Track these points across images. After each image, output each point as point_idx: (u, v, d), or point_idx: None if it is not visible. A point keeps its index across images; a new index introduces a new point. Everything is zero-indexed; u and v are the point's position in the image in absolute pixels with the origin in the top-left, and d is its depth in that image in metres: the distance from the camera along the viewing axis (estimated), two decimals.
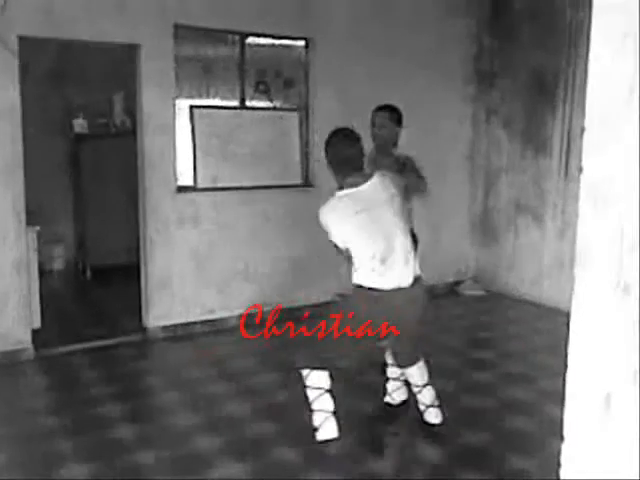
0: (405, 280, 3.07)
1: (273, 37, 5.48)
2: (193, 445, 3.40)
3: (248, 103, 5.40)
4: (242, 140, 5.31)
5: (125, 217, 6.85)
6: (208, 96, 5.25)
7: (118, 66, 6.72)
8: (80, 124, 6.97)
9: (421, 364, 3.48)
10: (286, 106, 5.63)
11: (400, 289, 3.04)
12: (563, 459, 1.23)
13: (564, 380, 1.18)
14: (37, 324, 4.74)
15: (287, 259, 5.60)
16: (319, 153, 5.60)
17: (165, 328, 5.12)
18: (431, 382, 3.52)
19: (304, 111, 5.66)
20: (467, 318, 5.91)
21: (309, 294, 5.68)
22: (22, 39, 4.34)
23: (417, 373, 3.47)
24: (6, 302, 4.47)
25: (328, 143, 3.25)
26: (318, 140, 5.65)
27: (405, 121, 6.03)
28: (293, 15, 5.37)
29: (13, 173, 4.41)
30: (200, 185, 5.17)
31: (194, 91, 5.18)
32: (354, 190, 3.06)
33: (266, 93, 5.52)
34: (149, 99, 4.87)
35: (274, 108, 5.55)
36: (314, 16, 5.47)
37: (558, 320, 5.61)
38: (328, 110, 5.67)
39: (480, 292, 6.55)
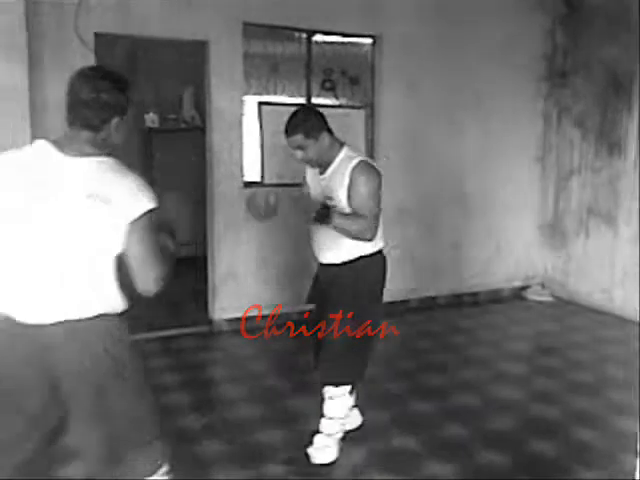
0: None
1: (340, 35, 5.46)
2: (255, 438, 3.45)
3: (314, 100, 5.40)
4: None
5: (194, 210, 7.01)
6: (275, 93, 5.28)
7: (188, 62, 6.86)
8: (151, 119, 7.15)
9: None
10: (352, 103, 5.61)
11: None
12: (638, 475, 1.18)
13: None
14: None
15: None
16: (385, 150, 5.61)
17: (230, 321, 5.20)
18: None
19: (370, 108, 5.63)
20: (533, 324, 5.75)
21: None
22: (98, 36, 4.48)
23: None
24: None
25: None
26: (383, 137, 5.64)
27: (473, 120, 5.97)
28: (360, 13, 5.34)
29: None
30: (266, 181, 5.22)
31: (262, 88, 5.21)
32: None
33: (332, 90, 5.51)
34: (218, 95, 4.95)
35: (340, 106, 5.54)
36: (381, 13, 5.43)
37: (628, 330, 5.41)
38: (394, 107, 5.63)
39: (547, 298, 6.36)
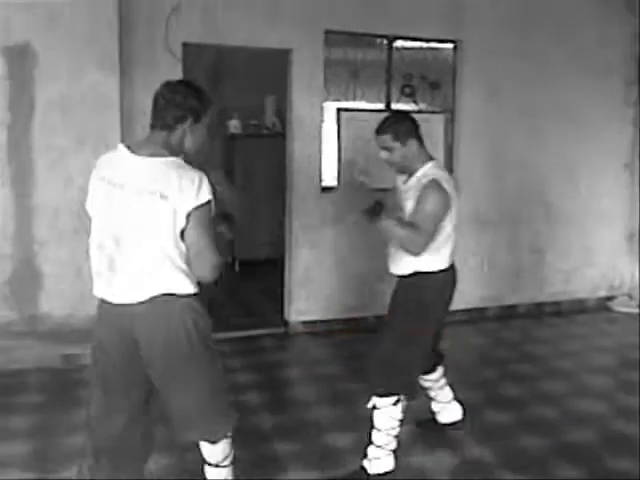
0: None
1: (421, 40, 5.45)
2: (329, 440, 3.50)
3: (393, 106, 5.42)
4: None
5: (272, 213, 7.16)
6: (355, 99, 5.33)
7: (270, 70, 7.00)
8: (234, 125, 7.36)
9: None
10: (431, 109, 5.58)
11: None
12: None
13: None
14: None
15: None
16: (465, 155, 5.55)
17: (305, 323, 5.28)
18: None
19: (450, 114, 5.59)
20: (618, 337, 5.52)
21: None
22: (186, 46, 4.68)
23: None
24: None
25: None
26: (463, 143, 5.58)
27: (556, 125, 5.81)
28: (442, 18, 5.33)
29: None
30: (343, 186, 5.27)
31: (341, 94, 5.28)
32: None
33: (412, 96, 5.51)
34: (299, 102, 5.05)
35: (419, 111, 5.53)
36: (463, 18, 5.39)
37: None
38: (474, 113, 5.56)
39: (635, 310, 6.09)
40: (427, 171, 3.00)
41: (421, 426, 3.58)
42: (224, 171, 2.44)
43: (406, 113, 3.21)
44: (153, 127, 2.30)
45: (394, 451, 3.09)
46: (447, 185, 2.96)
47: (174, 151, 2.28)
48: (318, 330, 5.28)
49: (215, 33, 4.73)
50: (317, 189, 5.21)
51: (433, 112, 5.56)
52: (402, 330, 3.04)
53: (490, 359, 4.82)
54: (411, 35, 5.36)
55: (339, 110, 5.24)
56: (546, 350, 5.05)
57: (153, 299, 2.24)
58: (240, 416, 3.64)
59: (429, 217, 2.90)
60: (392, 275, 3.20)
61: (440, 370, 3.47)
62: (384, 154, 3.08)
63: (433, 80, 5.53)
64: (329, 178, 5.30)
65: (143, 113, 4.54)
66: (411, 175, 3.07)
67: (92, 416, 2.46)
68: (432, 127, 5.48)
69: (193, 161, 2.33)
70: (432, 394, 3.51)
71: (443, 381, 3.50)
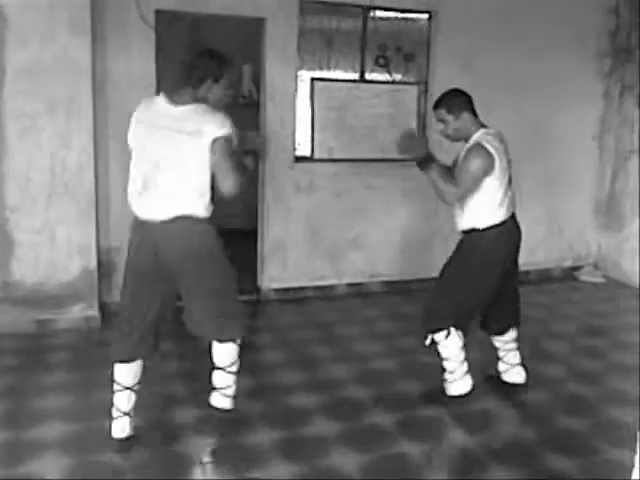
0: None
1: (396, 10, 5.47)
2: (293, 401, 3.62)
3: (368, 76, 5.46)
4: (360, 113, 5.39)
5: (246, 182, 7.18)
6: (329, 69, 5.35)
7: (247, 38, 6.98)
8: None
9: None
10: (405, 80, 5.63)
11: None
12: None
13: None
14: None
15: (398, 232, 5.66)
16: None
17: (277, 291, 5.38)
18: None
19: (423, 85, 5.64)
20: (583, 305, 5.69)
21: (418, 268, 5.70)
22: (158, 13, 4.66)
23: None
24: None
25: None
26: None
27: (530, 97, 5.89)
28: None
29: None
30: (317, 156, 5.32)
31: (315, 64, 5.30)
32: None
33: (386, 67, 5.54)
34: (273, 71, 5.07)
35: (393, 82, 5.57)
36: None
37: None
38: (448, 84, 5.49)
39: (599, 279, 6.27)
40: (476, 137, 3.37)
41: (488, 381, 3.89)
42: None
43: (460, 89, 3.54)
44: (184, 83, 2.87)
45: (468, 372, 3.57)
46: (492, 149, 3.31)
47: (199, 101, 2.83)
48: (289, 297, 5.38)
49: (188, 0, 4.72)
50: (291, 159, 5.26)
51: (407, 83, 5.61)
52: (447, 276, 3.52)
53: None
54: (386, 5, 5.37)
55: (313, 80, 5.26)
56: None
57: (176, 218, 2.79)
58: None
59: (466, 174, 3.29)
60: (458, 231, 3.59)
61: (512, 333, 3.75)
62: (440, 126, 3.48)
63: (408, 51, 5.55)
64: (303, 147, 5.34)
65: (115, 81, 4.59)
66: (466, 142, 3.44)
67: (122, 297, 3.08)
68: (405, 98, 5.54)
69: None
70: (500, 354, 3.81)
71: (513, 345, 3.78)
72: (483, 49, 5.62)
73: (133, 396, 3.06)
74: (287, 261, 5.38)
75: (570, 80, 6.06)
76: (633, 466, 2.88)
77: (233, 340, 3.10)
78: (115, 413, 3.06)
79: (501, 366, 3.83)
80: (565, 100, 6.07)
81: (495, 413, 3.59)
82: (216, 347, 3.12)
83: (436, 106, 3.47)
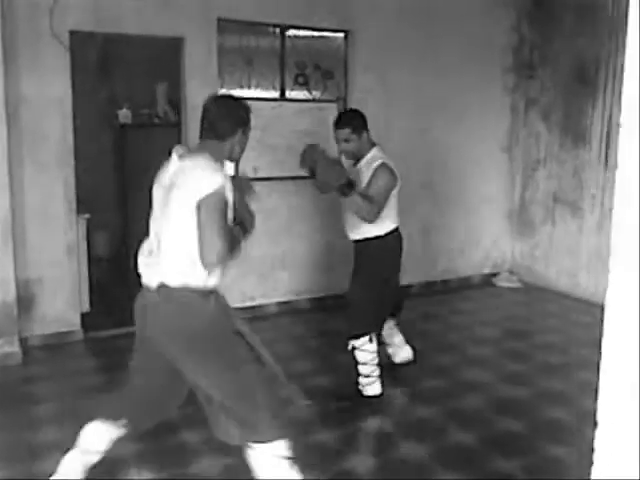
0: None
1: (313, 29, 5.56)
2: None
3: (288, 95, 5.50)
4: (282, 131, 5.42)
5: None
6: (250, 87, 5.36)
7: (161, 57, 6.88)
8: (124, 114, 7.16)
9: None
10: (325, 97, 5.72)
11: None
12: (597, 444, 1.31)
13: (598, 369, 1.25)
14: (86, 308, 4.95)
15: (324, 249, 5.71)
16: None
17: None
18: None
19: (342, 102, 5.74)
20: (503, 310, 5.94)
21: (344, 283, 5.75)
22: (72, 33, 4.52)
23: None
24: (58, 286, 4.68)
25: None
26: None
27: (442, 112, 6.13)
28: (333, 7, 5.45)
29: (65, 163, 4.61)
30: (240, 175, 5.28)
31: (236, 83, 5.30)
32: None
33: (305, 85, 5.61)
34: (193, 91, 5.00)
35: (313, 100, 5.64)
36: (354, 8, 5.54)
37: (595, 313, 5.60)
38: (365, 101, 5.72)
39: (516, 284, 6.57)
40: (374, 155, 3.66)
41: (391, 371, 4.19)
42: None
43: (356, 109, 3.89)
44: (205, 136, 2.54)
45: (380, 376, 3.79)
46: (392, 165, 3.65)
47: (221, 158, 2.52)
48: None
49: (104, 20, 4.60)
50: None
51: (326, 101, 5.69)
52: (363, 283, 3.74)
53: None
54: (302, 24, 5.45)
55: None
56: (437, 326, 5.35)
57: (159, 287, 2.38)
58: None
59: (382, 192, 3.56)
60: (350, 240, 3.84)
61: (392, 320, 4.11)
62: (343, 145, 3.69)
63: (326, 69, 5.66)
64: (227, 168, 5.28)
65: (29, 103, 4.40)
66: (359, 159, 3.71)
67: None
68: (325, 116, 5.61)
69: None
70: (387, 340, 4.16)
71: (395, 329, 4.18)
72: (397, 66, 5.81)
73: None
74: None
75: (479, 95, 6.35)
76: (578, 463, 3.04)
77: (268, 444, 2.38)
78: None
79: (390, 349, 4.20)
80: (475, 113, 6.36)
81: (432, 420, 3.67)
82: (251, 454, 2.44)
83: (341, 126, 3.66)
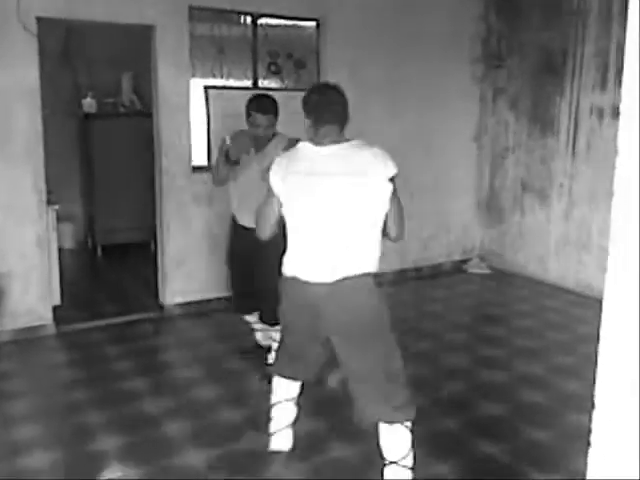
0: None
1: (284, 18, 5.51)
2: (215, 417, 3.52)
3: (260, 84, 5.44)
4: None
5: (133, 196, 6.94)
6: (222, 77, 5.28)
7: (125, 45, 6.75)
8: (89, 104, 7.00)
9: None
10: (298, 87, 5.67)
11: None
12: (594, 427, 1.29)
13: (596, 359, 1.25)
14: (57, 301, 4.84)
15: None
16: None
17: (181, 305, 5.22)
18: None
19: None
20: (474, 296, 6.03)
21: None
22: (39, 20, 4.38)
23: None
24: (29, 279, 4.56)
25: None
26: None
27: (412, 102, 6.17)
28: None
29: (33, 153, 4.48)
30: (214, 164, 5.22)
31: (208, 72, 5.21)
32: None
33: (278, 74, 5.56)
34: (164, 80, 4.92)
35: (286, 89, 5.60)
36: None
37: (564, 298, 5.76)
38: None
39: (486, 270, 6.67)
40: (280, 139, 3.67)
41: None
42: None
43: (269, 95, 3.86)
44: (326, 122, 2.55)
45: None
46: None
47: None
48: (194, 311, 5.24)
49: (73, 7, 4.46)
50: (187, 169, 5.13)
51: (299, 90, 5.64)
52: (274, 267, 3.71)
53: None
54: (274, 12, 5.39)
55: (206, 88, 5.17)
56: (412, 313, 5.39)
57: (352, 277, 2.43)
58: (125, 403, 3.63)
59: None
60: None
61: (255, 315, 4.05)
62: (262, 130, 3.67)
63: (298, 58, 5.61)
64: (199, 157, 5.23)
65: None
66: (265, 143, 3.71)
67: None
68: (298, 105, 5.56)
69: None
70: (256, 327, 4.16)
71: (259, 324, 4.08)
72: (368, 56, 5.80)
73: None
74: (190, 274, 5.24)
75: (448, 84, 6.40)
76: (560, 446, 3.10)
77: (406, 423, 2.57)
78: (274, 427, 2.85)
79: (258, 335, 4.19)
80: (445, 103, 6.40)
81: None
82: (386, 432, 2.57)
83: (266, 112, 3.65)
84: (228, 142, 3.73)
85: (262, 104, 3.67)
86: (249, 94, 5.34)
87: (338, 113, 2.59)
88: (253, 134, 3.70)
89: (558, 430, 3.44)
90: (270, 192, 2.58)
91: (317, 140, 2.54)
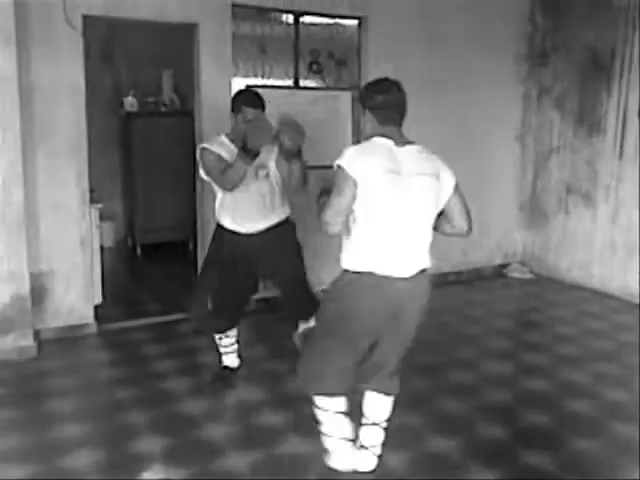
0: None
1: (326, 16, 5.45)
2: (261, 420, 3.49)
3: (302, 83, 5.41)
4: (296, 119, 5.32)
5: (173, 195, 6.97)
6: (263, 76, 5.26)
7: (166, 44, 6.77)
8: (130, 102, 7.05)
9: None
10: (339, 86, 5.63)
11: None
12: None
13: None
14: (98, 300, 4.86)
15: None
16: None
17: None
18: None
19: (357, 90, 5.64)
20: (516, 301, 5.90)
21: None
22: (86, 18, 4.40)
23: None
24: (71, 278, 4.59)
25: None
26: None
27: (457, 101, 6.06)
28: None
29: (78, 152, 4.51)
30: None
31: (250, 70, 5.19)
32: None
33: (319, 73, 5.51)
34: (207, 78, 4.90)
35: (327, 88, 5.55)
36: None
37: (608, 304, 5.61)
38: None
39: (528, 275, 6.52)
40: None
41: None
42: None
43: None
44: (392, 122, 2.63)
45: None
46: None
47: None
48: None
49: (117, 5, 4.48)
50: None
51: (340, 89, 5.60)
52: (302, 262, 3.73)
53: None
54: (317, 10, 5.34)
55: (248, 87, 5.14)
56: (453, 318, 5.29)
57: (422, 273, 2.60)
58: (166, 404, 3.62)
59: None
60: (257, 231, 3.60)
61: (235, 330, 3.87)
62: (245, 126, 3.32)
63: (340, 57, 5.57)
64: None
65: (42, 91, 4.29)
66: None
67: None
68: (340, 104, 5.54)
69: None
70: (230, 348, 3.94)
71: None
72: (410, 55, 5.71)
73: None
74: None
75: (492, 83, 6.27)
76: (607, 458, 2.99)
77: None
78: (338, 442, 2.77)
79: (232, 357, 3.95)
80: (488, 102, 6.28)
81: (461, 415, 3.62)
82: (379, 401, 2.84)
83: (259, 105, 3.43)
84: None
85: (253, 98, 3.45)
86: (289, 93, 5.39)
87: (403, 114, 2.67)
88: (242, 132, 3.31)
89: (604, 440, 3.33)
90: (342, 184, 2.46)
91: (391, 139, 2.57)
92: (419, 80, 5.80)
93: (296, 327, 3.76)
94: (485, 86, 6.22)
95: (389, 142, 2.55)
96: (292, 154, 3.28)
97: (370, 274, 2.51)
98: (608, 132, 5.83)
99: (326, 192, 2.60)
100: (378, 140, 2.56)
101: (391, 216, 2.50)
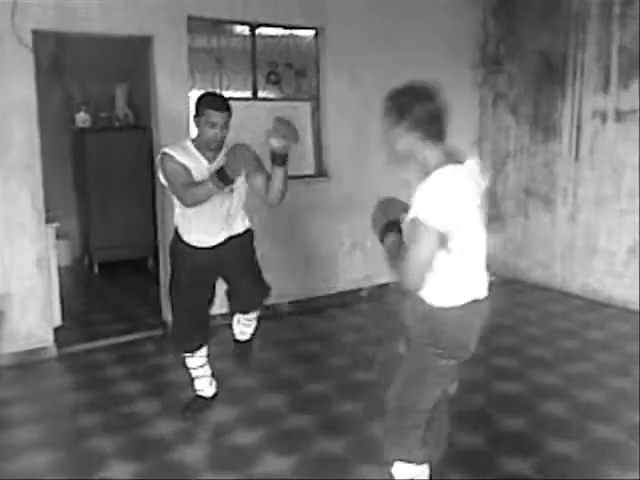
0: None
1: (283, 27, 5.43)
2: (233, 440, 3.40)
3: (260, 94, 5.36)
4: (255, 131, 5.25)
5: (129, 211, 6.81)
6: (221, 87, 5.19)
7: (118, 57, 6.64)
8: (82, 118, 6.87)
9: None
10: (298, 96, 5.59)
11: None
12: None
13: None
14: (57, 322, 4.69)
15: (303, 249, 5.59)
16: (331, 142, 5.62)
17: None
18: None
19: (316, 101, 5.63)
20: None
21: (327, 285, 5.67)
22: (36, 33, 4.26)
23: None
24: (28, 301, 4.42)
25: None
26: (330, 129, 5.65)
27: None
28: (302, 4, 5.33)
29: (31, 170, 4.36)
30: None
31: (207, 83, 5.12)
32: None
33: (277, 83, 5.48)
34: (163, 92, 4.81)
35: (285, 98, 5.52)
36: (323, 5, 5.43)
37: (571, 304, 5.69)
38: (339, 99, 5.65)
39: (491, 278, 6.56)
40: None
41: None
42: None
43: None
44: (443, 138, 2.39)
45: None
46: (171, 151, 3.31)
47: None
48: None
49: (68, 20, 4.35)
50: None
51: (299, 99, 5.58)
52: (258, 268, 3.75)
53: (370, 338, 4.96)
54: (272, 22, 5.30)
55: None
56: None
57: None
58: (135, 427, 3.50)
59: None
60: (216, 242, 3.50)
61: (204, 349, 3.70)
62: (219, 130, 3.24)
63: (298, 68, 5.54)
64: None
65: None
66: (219, 149, 3.31)
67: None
68: (299, 114, 5.51)
69: None
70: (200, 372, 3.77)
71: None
72: (367, 63, 5.72)
73: None
74: None
75: (449, 89, 6.23)
76: (586, 460, 3.00)
77: None
78: None
79: (205, 381, 3.76)
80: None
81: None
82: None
83: (226, 109, 3.23)
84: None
85: (217, 101, 3.23)
86: (248, 104, 5.33)
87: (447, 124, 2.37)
88: (206, 138, 3.24)
89: (583, 442, 3.34)
90: (425, 234, 2.18)
91: (441, 160, 2.29)
92: (375, 88, 5.79)
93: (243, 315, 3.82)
94: (443, 92, 6.26)
95: (460, 168, 2.27)
96: (282, 157, 3.15)
97: (466, 305, 2.36)
98: (564, 135, 5.94)
99: (391, 227, 2.47)
100: (445, 173, 2.23)
101: (476, 241, 2.39)
